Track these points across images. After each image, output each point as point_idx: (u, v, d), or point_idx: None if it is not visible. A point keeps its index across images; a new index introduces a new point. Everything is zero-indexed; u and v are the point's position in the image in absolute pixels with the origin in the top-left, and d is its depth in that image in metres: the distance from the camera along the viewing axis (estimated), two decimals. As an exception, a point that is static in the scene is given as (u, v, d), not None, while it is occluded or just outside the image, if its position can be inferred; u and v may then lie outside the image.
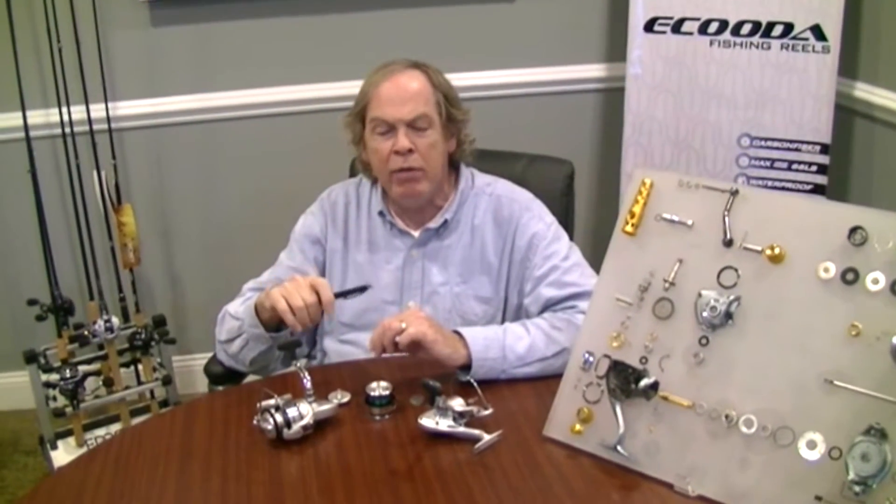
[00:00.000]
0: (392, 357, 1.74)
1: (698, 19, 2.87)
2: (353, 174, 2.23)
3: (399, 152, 1.86)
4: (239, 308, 1.88)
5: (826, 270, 1.36)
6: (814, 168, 2.86)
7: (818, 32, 2.75)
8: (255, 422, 1.58)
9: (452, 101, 1.95)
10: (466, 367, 1.73)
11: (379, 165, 1.93)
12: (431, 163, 1.91)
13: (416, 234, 1.99)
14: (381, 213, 2.00)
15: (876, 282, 1.32)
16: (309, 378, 1.62)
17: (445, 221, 1.97)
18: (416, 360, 1.72)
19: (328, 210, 2.05)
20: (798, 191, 2.88)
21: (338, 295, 1.76)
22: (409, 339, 1.67)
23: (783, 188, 2.90)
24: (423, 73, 1.92)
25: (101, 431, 2.90)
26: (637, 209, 1.55)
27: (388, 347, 1.69)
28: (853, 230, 1.34)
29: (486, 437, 1.53)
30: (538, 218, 1.97)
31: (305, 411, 1.57)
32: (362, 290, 1.85)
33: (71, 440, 2.86)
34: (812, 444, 1.32)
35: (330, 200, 2.06)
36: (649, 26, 2.92)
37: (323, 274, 2.02)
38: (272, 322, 1.79)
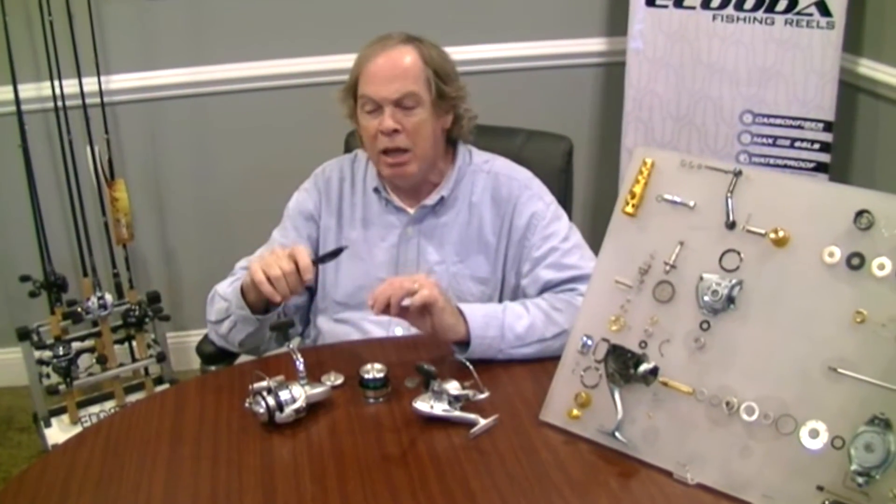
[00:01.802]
0: (389, 318, 1.70)
1: (701, -7, 2.82)
2: (348, 149, 2.19)
3: (384, 132, 1.83)
4: (227, 289, 1.85)
5: (831, 255, 1.32)
6: (817, 145, 2.82)
7: (823, 8, 2.70)
8: (246, 405, 1.55)
9: (445, 76, 1.88)
10: (463, 345, 1.70)
11: (368, 143, 1.90)
12: (420, 142, 1.86)
13: (411, 210, 1.95)
14: (376, 190, 1.97)
15: (882, 267, 1.28)
16: (302, 360, 1.59)
17: (442, 198, 1.94)
18: (411, 340, 1.69)
19: (322, 186, 2.01)
20: (801, 168, 2.85)
21: (315, 261, 1.71)
22: (421, 301, 1.62)
23: (785, 166, 2.86)
24: (415, 47, 1.86)
25: (95, 409, 2.90)
26: (638, 189, 1.51)
27: (395, 307, 1.63)
28: (859, 214, 1.30)
29: (482, 422, 1.51)
30: (537, 197, 1.93)
31: (298, 394, 1.55)
32: (338, 251, 1.81)
33: (65, 417, 2.85)
34: (814, 433, 1.30)
35: (324, 177, 2.02)
36: (651, 0, 2.87)
37: (317, 251, 1.99)
38: (259, 304, 1.76)
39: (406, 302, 1.63)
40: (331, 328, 1.97)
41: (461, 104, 1.93)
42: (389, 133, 1.82)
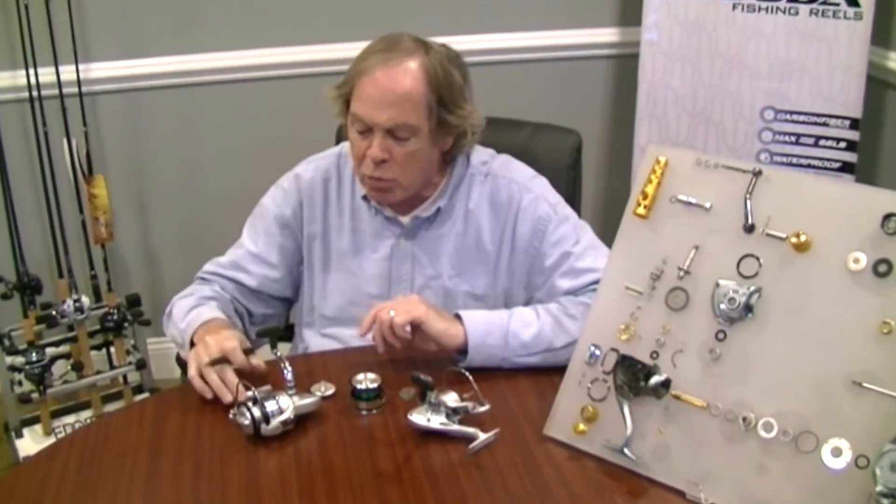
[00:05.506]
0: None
1: (720, -19, 2.83)
2: (339, 142, 2.18)
3: (372, 160, 1.77)
4: (181, 320, 1.82)
5: (856, 261, 1.32)
6: (842, 144, 2.82)
7: (850, -3, 2.71)
8: (230, 416, 1.56)
9: (450, 101, 1.78)
10: (465, 351, 1.71)
11: (354, 159, 1.85)
12: (408, 172, 1.81)
13: (405, 221, 1.91)
14: (365, 197, 1.91)
15: (911, 274, 1.29)
16: (290, 369, 1.59)
17: (438, 209, 1.89)
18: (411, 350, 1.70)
19: (305, 188, 1.94)
20: (825, 169, 2.85)
21: (246, 352, 1.69)
22: (404, 322, 1.65)
23: (808, 166, 2.86)
24: (422, 65, 1.74)
25: (70, 419, 2.91)
26: (650, 190, 1.51)
27: (396, 343, 1.67)
28: (887, 217, 1.31)
29: (482, 436, 1.51)
30: (541, 199, 1.89)
31: (285, 405, 1.55)
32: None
33: (38, 428, 2.85)
34: (837, 452, 1.30)
35: (306, 178, 1.95)
36: (667, -12, 2.88)
37: (300, 262, 1.97)
38: None
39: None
40: (318, 342, 1.96)
41: (466, 124, 1.83)
42: (377, 162, 1.77)
